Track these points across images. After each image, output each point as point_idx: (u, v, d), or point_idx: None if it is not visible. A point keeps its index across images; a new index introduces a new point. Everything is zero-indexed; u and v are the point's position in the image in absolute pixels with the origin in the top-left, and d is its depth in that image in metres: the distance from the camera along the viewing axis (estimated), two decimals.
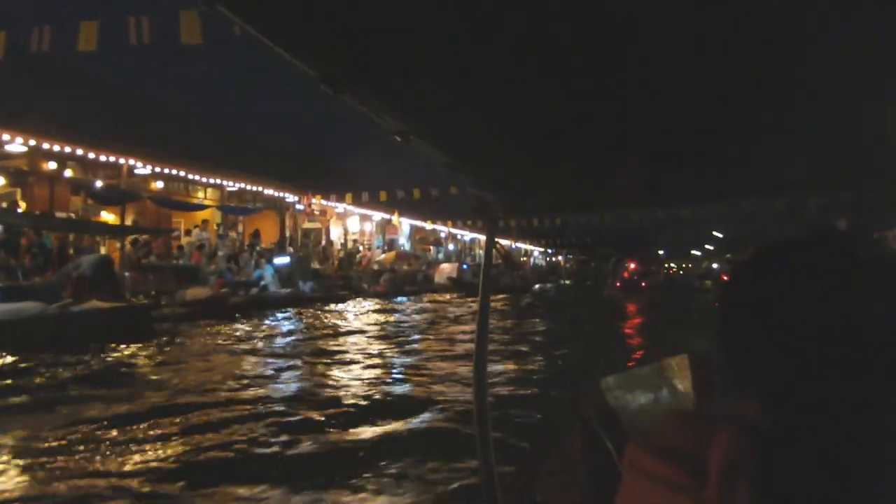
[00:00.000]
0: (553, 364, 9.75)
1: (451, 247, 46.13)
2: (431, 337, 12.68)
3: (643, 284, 32.82)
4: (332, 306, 20.16)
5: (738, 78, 1.12)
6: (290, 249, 23.44)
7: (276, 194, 24.72)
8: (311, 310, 18.43)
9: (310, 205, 23.75)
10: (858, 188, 2.03)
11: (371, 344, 11.39)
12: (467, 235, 47.93)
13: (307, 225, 32.15)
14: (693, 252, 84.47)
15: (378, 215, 33.83)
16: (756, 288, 0.77)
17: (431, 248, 40.10)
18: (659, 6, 0.87)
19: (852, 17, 0.90)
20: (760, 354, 0.75)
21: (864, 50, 1.00)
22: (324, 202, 25.59)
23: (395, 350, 10.85)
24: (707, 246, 79.47)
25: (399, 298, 25.97)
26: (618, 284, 33.30)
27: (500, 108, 1.26)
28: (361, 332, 13.48)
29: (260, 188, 23.36)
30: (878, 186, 2.02)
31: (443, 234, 41.18)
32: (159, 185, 22.00)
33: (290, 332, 13.39)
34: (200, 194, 24.68)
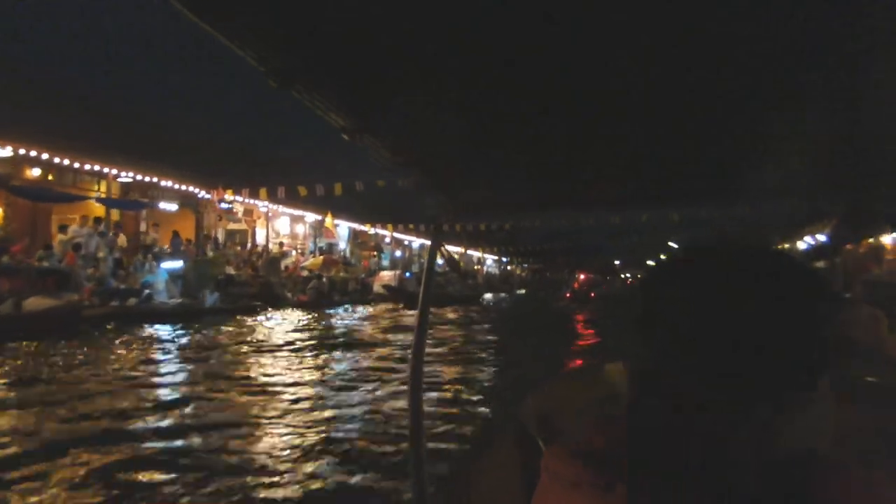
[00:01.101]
0: (495, 374, 9.55)
1: (398, 253, 43.35)
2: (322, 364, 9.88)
3: (591, 295, 31.79)
4: (235, 320, 17.14)
5: (707, 80, 1.14)
6: (188, 251, 20.27)
7: (179, 187, 21.54)
8: (198, 324, 15.40)
9: (220, 200, 20.72)
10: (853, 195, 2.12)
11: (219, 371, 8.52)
12: (416, 241, 45.25)
13: (232, 226, 29.06)
14: (648, 262, 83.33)
15: (312, 216, 30.90)
16: (649, 299, 0.80)
17: (375, 253, 37.19)
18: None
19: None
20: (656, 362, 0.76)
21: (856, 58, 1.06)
22: (237, 198, 22.52)
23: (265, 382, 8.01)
24: (662, 256, 78.28)
25: (331, 310, 23.09)
26: (567, 295, 31.47)
27: (452, 106, 1.25)
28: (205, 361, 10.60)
29: (155, 179, 20.16)
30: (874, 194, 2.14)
31: (387, 240, 38.36)
32: (35, 173, 18.72)
33: (123, 356, 10.39)
34: (96, 187, 21.44)
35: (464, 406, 7.13)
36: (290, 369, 9.70)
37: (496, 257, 57.09)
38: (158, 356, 10.61)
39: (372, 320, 19.51)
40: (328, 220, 28.16)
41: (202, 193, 21.85)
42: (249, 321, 17.18)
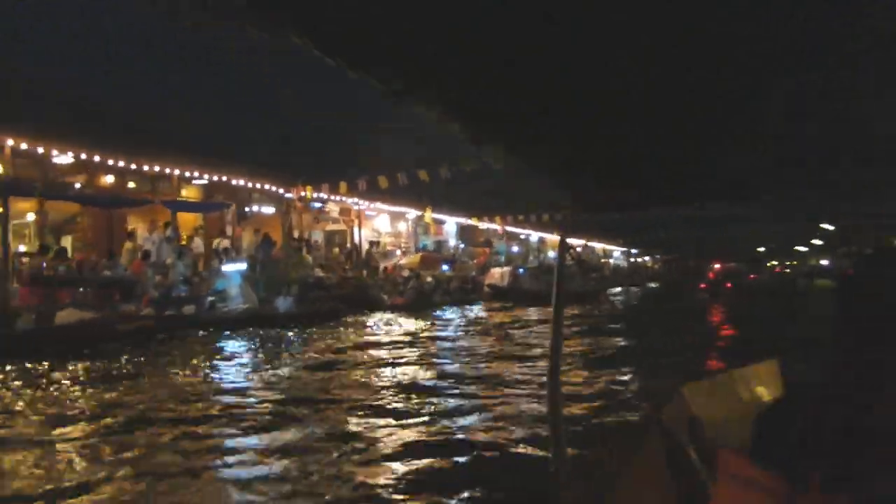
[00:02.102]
0: (633, 373, 8.82)
1: (515, 248, 40.77)
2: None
3: (727, 285, 27.92)
4: (308, 326, 15.37)
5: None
6: (270, 255, 18.83)
7: (261, 187, 20.21)
8: (254, 334, 13.69)
9: (300, 198, 19.20)
10: None
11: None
12: (534, 234, 42.41)
13: (331, 227, 27.79)
14: (798, 248, 74.70)
15: (415, 213, 29.04)
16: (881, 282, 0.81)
17: (487, 250, 34.83)
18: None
19: None
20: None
21: None
22: (319, 195, 20.92)
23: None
24: (815, 241, 69.72)
25: (431, 312, 20.99)
26: (703, 286, 27.63)
27: (581, 102, 1.25)
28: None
29: (224, 178, 18.85)
30: None
31: (500, 234, 35.86)
32: (108, 179, 17.97)
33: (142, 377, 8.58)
34: (183, 191, 20.61)
35: (601, 409, 6.49)
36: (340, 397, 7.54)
37: (624, 249, 52.94)
38: (152, 379, 8.82)
39: (486, 320, 17.09)
40: (427, 215, 26.11)
41: (287, 193, 20.42)
42: (317, 330, 15.36)
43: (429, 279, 27.29)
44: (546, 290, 29.48)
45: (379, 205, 26.92)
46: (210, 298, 15.21)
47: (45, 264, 14.58)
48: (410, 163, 19.18)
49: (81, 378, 8.68)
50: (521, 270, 32.56)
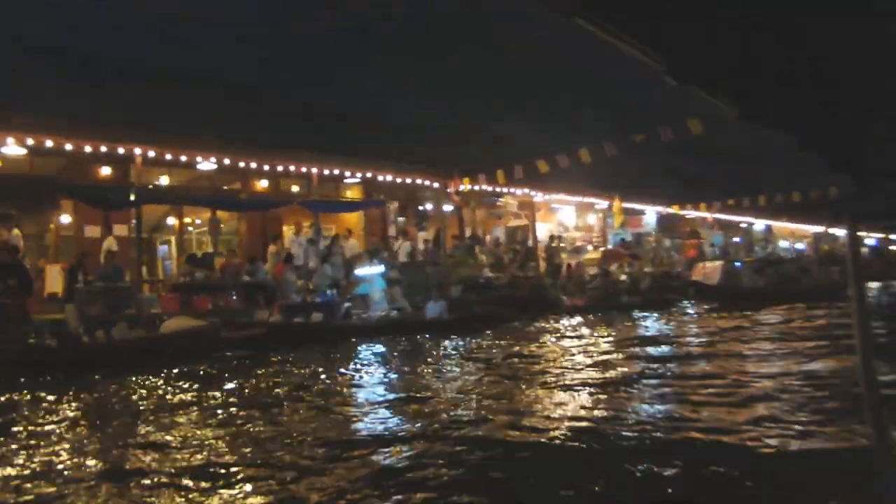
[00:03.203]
0: None
1: (736, 239, 35.46)
2: None
3: None
4: (458, 336, 13.27)
5: None
6: (400, 254, 17.01)
7: (411, 182, 18.54)
8: (397, 344, 11.87)
9: (457, 191, 17.23)
10: None
11: None
12: (757, 222, 36.56)
13: (514, 223, 25.58)
14: None
15: (605, 204, 25.80)
16: None
17: (696, 241, 30.33)
18: None
19: None
20: None
21: None
22: (472, 188, 18.73)
23: None
24: None
25: (630, 315, 17.93)
26: None
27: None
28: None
29: (380, 176, 17.24)
30: None
31: (708, 222, 31.14)
32: (263, 184, 17.41)
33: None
34: (347, 191, 19.69)
35: None
36: None
37: (881, 235, 44.11)
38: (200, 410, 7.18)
39: (683, 336, 13.77)
40: (616, 205, 22.84)
41: (448, 188, 18.58)
42: (458, 342, 13.18)
43: (622, 277, 24.02)
44: (771, 287, 24.53)
45: (563, 196, 24.19)
46: (346, 304, 13.73)
47: (185, 271, 14.19)
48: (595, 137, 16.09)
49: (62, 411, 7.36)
50: (737, 264, 27.76)
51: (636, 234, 29.03)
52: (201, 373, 9.32)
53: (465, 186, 17.04)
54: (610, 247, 24.91)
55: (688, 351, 10.57)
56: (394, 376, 8.86)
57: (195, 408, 6.89)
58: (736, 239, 35.83)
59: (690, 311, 20.35)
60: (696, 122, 12.51)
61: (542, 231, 24.78)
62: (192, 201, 15.41)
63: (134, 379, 8.73)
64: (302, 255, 15.59)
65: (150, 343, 10.34)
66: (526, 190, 21.46)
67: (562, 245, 23.67)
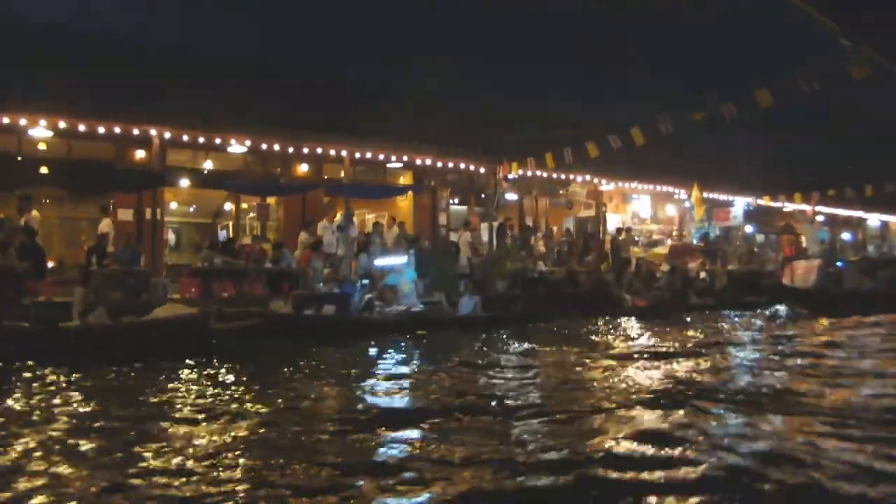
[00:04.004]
0: None
1: (845, 236, 32.01)
2: None
3: None
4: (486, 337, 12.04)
5: None
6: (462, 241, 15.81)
7: (463, 167, 17.33)
8: (399, 345, 10.77)
9: (506, 177, 15.87)
10: None
11: None
12: (873, 218, 32.81)
13: (584, 213, 23.90)
14: None
15: (683, 194, 23.60)
16: None
17: (793, 237, 27.44)
18: None
19: None
20: None
21: None
22: (522, 173, 17.26)
23: None
24: None
25: (701, 320, 16.02)
26: None
27: None
28: None
29: (428, 161, 16.10)
30: None
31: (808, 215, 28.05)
32: (303, 168, 16.73)
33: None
34: (400, 177, 18.79)
35: None
36: None
37: None
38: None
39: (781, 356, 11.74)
40: (695, 194, 20.69)
41: (500, 173, 17.28)
42: (476, 343, 11.92)
43: (702, 275, 21.88)
44: (881, 291, 21.45)
45: (636, 184, 22.30)
46: (368, 296, 12.78)
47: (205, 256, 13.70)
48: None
49: None
50: (839, 264, 24.75)
51: (724, 229, 26.58)
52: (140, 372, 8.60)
53: (514, 174, 15.67)
54: (681, 241, 22.76)
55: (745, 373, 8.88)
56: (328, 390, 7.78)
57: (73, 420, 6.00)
58: (845, 236, 32.32)
59: (777, 316, 18.15)
60: (765, 93, 10.65)
61: (614, 223, 22.97)
62: (213, 185, 14.95)
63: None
64: (333, 243, 14.80)
65: (126, 331, 9.75)
66: (587, 177, 19.77)
67: (632, 238, 21.78)
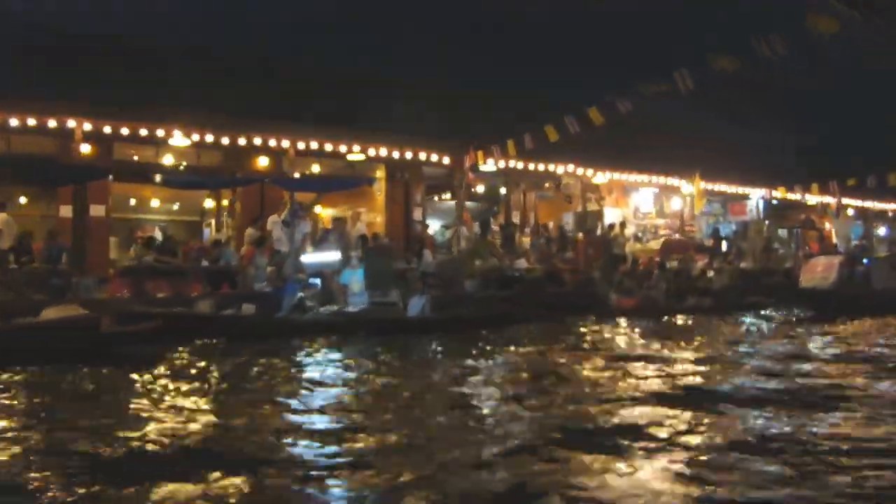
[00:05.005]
0: None
1: (881, 231, 29.76)
2: None
3: None
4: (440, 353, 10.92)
5: None
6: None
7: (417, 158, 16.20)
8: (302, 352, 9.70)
9: (472, 168, 14.67)
10: None
11: None
12: None
13: (591, 206, 22.46)
14: None
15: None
16: None
17: (816, 233, 25.42)
18: None
19: None
20: None
21: None
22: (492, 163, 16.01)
23: None
24: None
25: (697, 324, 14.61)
26: None
27: None
28: None
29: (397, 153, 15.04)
30: None
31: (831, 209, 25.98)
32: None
33: None
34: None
35: None
36: None
37: None
38: None
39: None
40: (696, 184, 19.10)
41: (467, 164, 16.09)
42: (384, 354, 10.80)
43: (710, 273, 20.31)
44: None
45: (635, 176, 20.81)
46: (300, 296, 11.80)
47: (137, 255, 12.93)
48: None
49: None
50: (865, 261, 22.71)
51: (741, 223, 24.79)
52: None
53: (483, 164, 14.48)
54: (682, 236, 21.18)
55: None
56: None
57: None
58: (881, 231, 30.02)
59: (776, 319, 16.59)
60: (725, 59, 9.31)
61: (614, 217, 21.49)
62: (147, 179, 14.20)
63: None
64: (282, 239, 13.89)
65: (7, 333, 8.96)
66: (571, 167, 18.45)
67: (626, 233, 20.33)
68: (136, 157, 15.12)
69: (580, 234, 20.05)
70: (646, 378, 7.48)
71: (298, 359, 9.25)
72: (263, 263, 13.30)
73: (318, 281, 14.07)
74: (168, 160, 15.87)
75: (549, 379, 7.48)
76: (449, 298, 14.43)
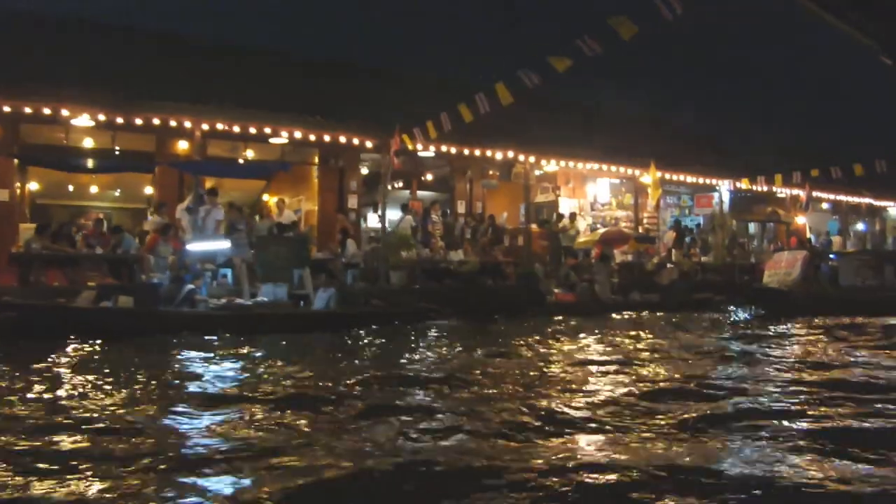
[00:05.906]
0: None
1: (859, 226, 28.84)
2: None
3: None
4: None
5: None
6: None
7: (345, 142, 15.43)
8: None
9: (396, 153, 13.90)
10: None
11: None
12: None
13: (540, 198, 21.70)
14: None
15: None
16: None
17: (786, 225, 24.55)
18: None
19: None
20: None
21: None
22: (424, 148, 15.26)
23: None
24: None
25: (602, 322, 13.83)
26: None
27: None
28: None
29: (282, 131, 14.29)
30: None
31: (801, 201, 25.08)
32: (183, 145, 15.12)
33: None
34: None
35: None
36: None
37: None
38: None
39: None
40: (652, 174, 18.23)
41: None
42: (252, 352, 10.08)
43: (669, 265, 19.60)
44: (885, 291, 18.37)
45: (591, 166, 19.97)
46: (188, 287, 11.10)
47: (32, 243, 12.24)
48: None
49: None
50: (832, 256, 21.83)
51: (708, 217, 23.94)
52: None
53: (408, 144, 13.69)
54: (619, 228, 20.38)
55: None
56: None
57: None
58: (859, 226, 29.08)
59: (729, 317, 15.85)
60: (626, 22, 8.53)
61: (570, 208, 20.71)
62: (32, 162, 13.52)
63: None
64: (188, 227, 13.19)
65: None
66: (511, 153, 17.65)
67: (580, 225, 19.58)
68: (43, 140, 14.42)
69: (533, 226, 19.26)
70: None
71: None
72: (167, 252, 12.59)
73: (228, 271, 13.49)
74: (88, 143, 15.24)
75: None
76: (375, 291, 13.83)
